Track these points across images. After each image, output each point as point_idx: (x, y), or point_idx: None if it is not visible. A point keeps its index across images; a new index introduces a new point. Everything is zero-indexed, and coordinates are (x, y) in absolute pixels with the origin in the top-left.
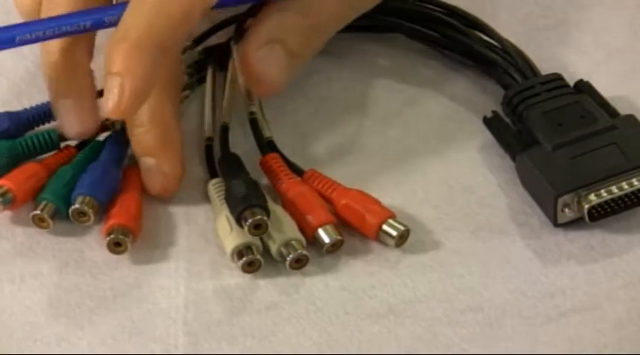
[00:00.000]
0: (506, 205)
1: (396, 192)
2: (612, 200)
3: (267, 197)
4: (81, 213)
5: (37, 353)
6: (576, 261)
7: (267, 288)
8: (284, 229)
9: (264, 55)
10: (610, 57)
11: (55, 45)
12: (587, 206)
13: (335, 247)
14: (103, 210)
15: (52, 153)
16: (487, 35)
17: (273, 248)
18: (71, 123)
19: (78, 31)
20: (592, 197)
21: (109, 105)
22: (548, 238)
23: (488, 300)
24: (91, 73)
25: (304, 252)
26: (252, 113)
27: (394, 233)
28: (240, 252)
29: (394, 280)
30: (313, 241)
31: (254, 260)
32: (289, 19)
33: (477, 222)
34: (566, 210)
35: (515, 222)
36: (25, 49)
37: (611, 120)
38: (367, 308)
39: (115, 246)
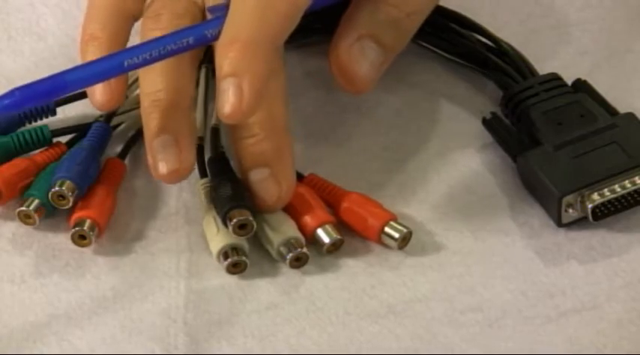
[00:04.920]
0: (507, 205)
1: (396, 193)
2: (615, 199)
3: None
4: (60, 196)
5: (37, 353)
6: (576, 261)
7: (267, 288)
8: (283, 229)
9: (357, 52)
10: (610, 57)
11: (159, 84)
12: (590, 205)
13: (335, 247)
14: (82, 194)
15: (42, 149)
16: (484, 37)
17: (273, 248)
18: (167, 160)
19: (182, 49)
20: (595, 196)
21: (227, 109)
22: (548, 238)
23: (488, 300)
24: (191, 109)
25: (304, 251)
26: None
27: (396, 235)
28: (225, 253)
29: (394, 280)
30: (313, 241)
31: (239, 261)
32: (382, 11)
33: (477, 222)
34: (570, 210)
35: (515, 222)
36: (26, 49)
37: (611, 118)
38: (367, 308)
39: (80, 239)
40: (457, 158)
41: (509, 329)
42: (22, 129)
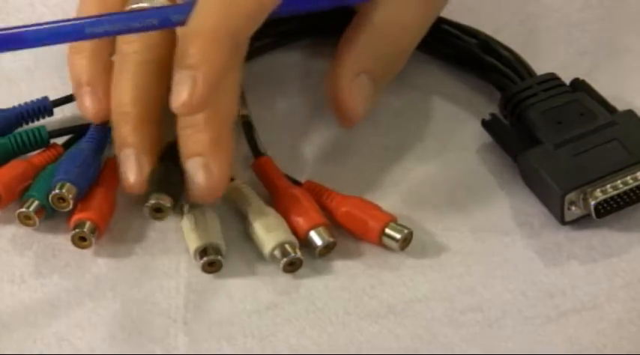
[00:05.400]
0: (507, 205)
1: (396, 193)
2: (618, 195)
3: (260, 199)
4: (60, 199)
5: (37, 353)
6: (576, 261)
7: (266, 288)
8: (277, 232)
9: (356, 89)
10: (610, 57)
11: (127, 96)
12: (593, 202)
13: (328, 249)
14: (82, 196)
15: (40, 151)
16: (481, 39)
17: (266, 250)
18: (130, 173)
19: (145, 29)
20: (598, 193)
21: (179, 100)
22: (548, 238)
23: (488, 300)
24: (160, 126)
25: (298, 255)
26: (244, 116)
27: (398, 236)
28: (201, 252)
29: (394, 280)
30: (306, 244)
31: (215, 260)
32: (379, 46)
33: (477, 222)
34: (573, 208)
35: (515, 221)
36: (25, 50)
37: (611, 116)
38: (367, 308)
39: (80, 241)
40: (457, 158)
41: (509, 329)
42: (20, 130)
